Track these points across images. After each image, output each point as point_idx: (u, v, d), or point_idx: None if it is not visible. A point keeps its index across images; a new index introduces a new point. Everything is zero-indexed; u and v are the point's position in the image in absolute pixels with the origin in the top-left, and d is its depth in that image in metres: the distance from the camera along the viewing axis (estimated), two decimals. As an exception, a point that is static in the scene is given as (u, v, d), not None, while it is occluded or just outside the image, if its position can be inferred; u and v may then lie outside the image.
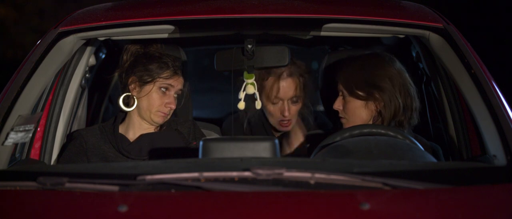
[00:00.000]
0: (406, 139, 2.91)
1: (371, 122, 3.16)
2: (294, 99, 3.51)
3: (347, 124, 3.16)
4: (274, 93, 3.46)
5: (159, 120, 3.26)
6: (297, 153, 3.53)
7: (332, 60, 3.55)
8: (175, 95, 3.28)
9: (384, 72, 3.13)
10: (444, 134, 3.43)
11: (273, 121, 3.58)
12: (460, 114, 3.24)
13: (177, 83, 3.26)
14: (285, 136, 3.64)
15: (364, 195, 2.22)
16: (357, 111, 3.14)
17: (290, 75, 3.48)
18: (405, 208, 2.21)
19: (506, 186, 2.41)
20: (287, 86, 3.45)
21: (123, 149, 3.23)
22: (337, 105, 3.18)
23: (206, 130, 3.55)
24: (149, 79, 3.23)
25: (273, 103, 3.50)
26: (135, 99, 3.26)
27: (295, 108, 3.53)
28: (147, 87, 3.23)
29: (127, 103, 3.28)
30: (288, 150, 3.60)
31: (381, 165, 2.51)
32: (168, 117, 3.28)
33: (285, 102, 3.49)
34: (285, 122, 3.52)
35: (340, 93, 3.18)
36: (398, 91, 3.11)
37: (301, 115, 3.60)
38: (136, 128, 3.30)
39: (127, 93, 3.27)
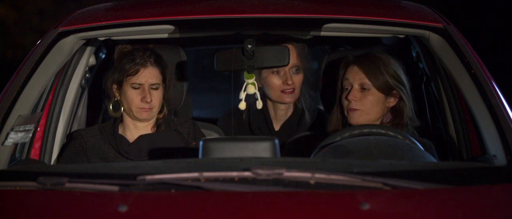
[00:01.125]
0: (406, 139, 2.91)
1: (381, 118, 3.21)
2: (295, 69, 3.55)
3: (360, 115, 3.18)
4: None
5: (144, 115, 3.24)
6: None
7: (332, 60, 3.54)
8: (154, 88, 3.24)
9: (400, 71, 3.22)
10: (444, 134, 3.43)
11: (275, 94, 3.59)
12: (460, 114, 3.24)
13: (147, 77, 3.23)
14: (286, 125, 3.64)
15: (364, 195, 2.22)
16: (376, 104, 3.18)
17: (289, 42, 3.52)
18: (405, 208, 2.21)
19: (506, 186, 2.41)
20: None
21: (123, 149, 3.23)
22: (353, 96, 3.19)
23: (206, 130, 3.54)
24: (121, 79, 3.22)
25: (275, 73, 3.53)
26: (119, 103, 3.26)
27: (297, 78, 3.56)
28: (122, 88, 3.23)
29: (118, 108, 3.28)
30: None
31: (381, 165, 2.51)
32: (154, 110, 3.25)
33: (287, 71, 3.53)
34: (289, 89, 3.55)
35: (357, 86, 3.20)
36: (409, 90, 3.23)
37: (303, 97, 3.62)
38: (132, 129, 3.30)
39: (113, 99, 3.27)
